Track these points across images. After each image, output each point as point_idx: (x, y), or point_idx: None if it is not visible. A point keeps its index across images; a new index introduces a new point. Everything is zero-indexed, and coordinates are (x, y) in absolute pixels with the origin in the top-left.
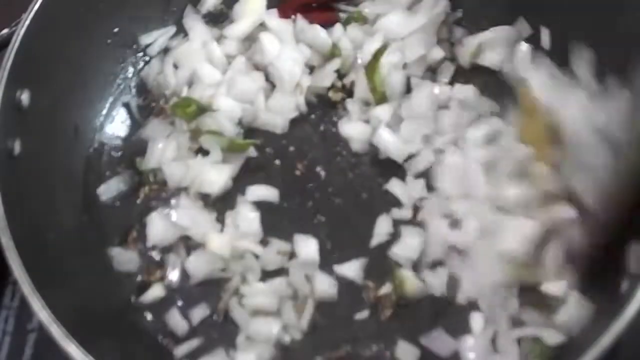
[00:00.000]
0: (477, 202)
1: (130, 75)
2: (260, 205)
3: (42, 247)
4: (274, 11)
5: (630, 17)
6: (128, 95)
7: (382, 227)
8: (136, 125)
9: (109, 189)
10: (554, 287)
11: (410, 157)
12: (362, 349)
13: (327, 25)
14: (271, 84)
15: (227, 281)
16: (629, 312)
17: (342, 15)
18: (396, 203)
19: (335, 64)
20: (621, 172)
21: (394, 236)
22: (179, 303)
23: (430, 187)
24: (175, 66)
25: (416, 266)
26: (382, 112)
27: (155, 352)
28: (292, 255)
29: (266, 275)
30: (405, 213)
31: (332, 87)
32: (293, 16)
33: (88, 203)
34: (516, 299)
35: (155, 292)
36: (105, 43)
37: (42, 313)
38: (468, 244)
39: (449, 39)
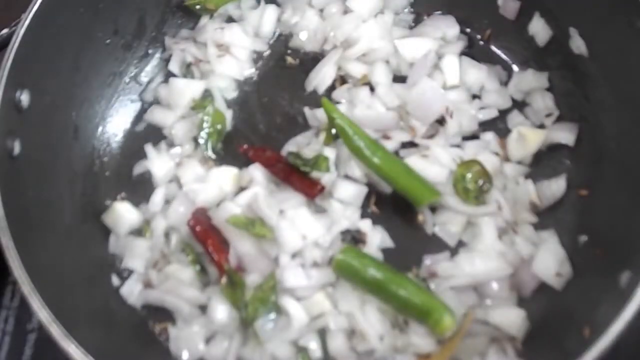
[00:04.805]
0: None
1: (129, 75)
2: None
3: (42, 247)
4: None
5: None
6: (127, 95)
7: None
8: (136, 125)
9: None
10: None
11: None
12: None
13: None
14: None
15: None
16: (628, 312)
17: None
18: None
19: None
20: None
21: None
22: None
23: None
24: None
25: None
26: None
27: None
28: None
29: None
30: None
31: None
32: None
33: (88, 202)
34: None
35: None
36: (105, 43)
37: (42, 313)
38: None
39: None
